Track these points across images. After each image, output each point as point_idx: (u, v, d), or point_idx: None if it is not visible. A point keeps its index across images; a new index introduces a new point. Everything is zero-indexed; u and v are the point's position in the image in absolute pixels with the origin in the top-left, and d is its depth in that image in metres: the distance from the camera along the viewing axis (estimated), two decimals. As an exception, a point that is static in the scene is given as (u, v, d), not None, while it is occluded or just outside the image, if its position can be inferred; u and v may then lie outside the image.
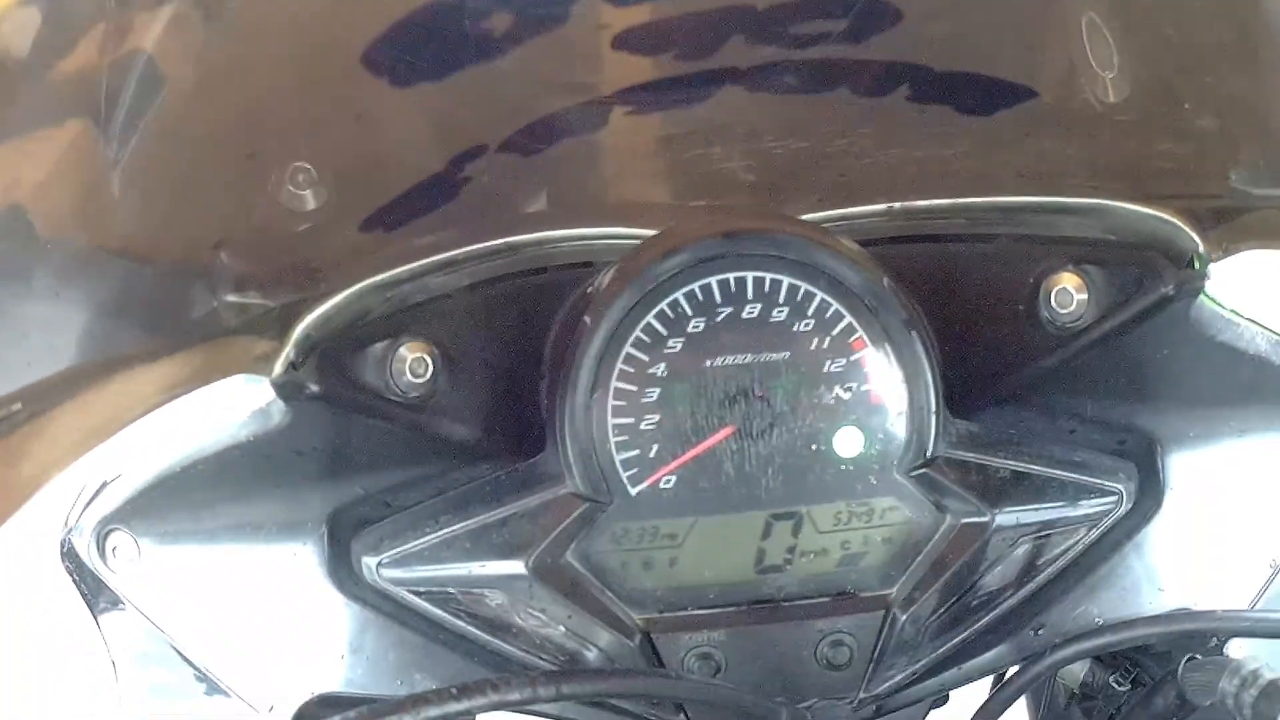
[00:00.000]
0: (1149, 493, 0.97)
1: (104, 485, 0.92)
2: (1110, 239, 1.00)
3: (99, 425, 0.89)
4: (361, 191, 0.93)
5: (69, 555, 0.92)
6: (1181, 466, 0.97)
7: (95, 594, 0.93)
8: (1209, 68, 1.00)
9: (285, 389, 0.92)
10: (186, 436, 0.91)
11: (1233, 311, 0.95)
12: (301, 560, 0.94)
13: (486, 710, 0.77)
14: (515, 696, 0.77)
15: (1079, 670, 1.08)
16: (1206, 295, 0.95)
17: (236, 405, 0.92)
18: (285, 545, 0.93)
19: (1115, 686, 1.05)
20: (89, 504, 0.91)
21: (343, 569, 0.94)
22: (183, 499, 0.92)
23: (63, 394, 0.92)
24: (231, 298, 0.97)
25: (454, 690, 0.75)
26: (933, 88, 0.96)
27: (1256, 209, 0.99)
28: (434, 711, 0.75)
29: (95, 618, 0.95)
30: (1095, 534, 0.97)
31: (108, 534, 0.91)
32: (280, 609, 0.94)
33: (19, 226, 0.95)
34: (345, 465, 0.95)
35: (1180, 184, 1.00)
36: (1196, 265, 0.95)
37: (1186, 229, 0.97)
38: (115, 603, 0.93)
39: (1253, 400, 0.97)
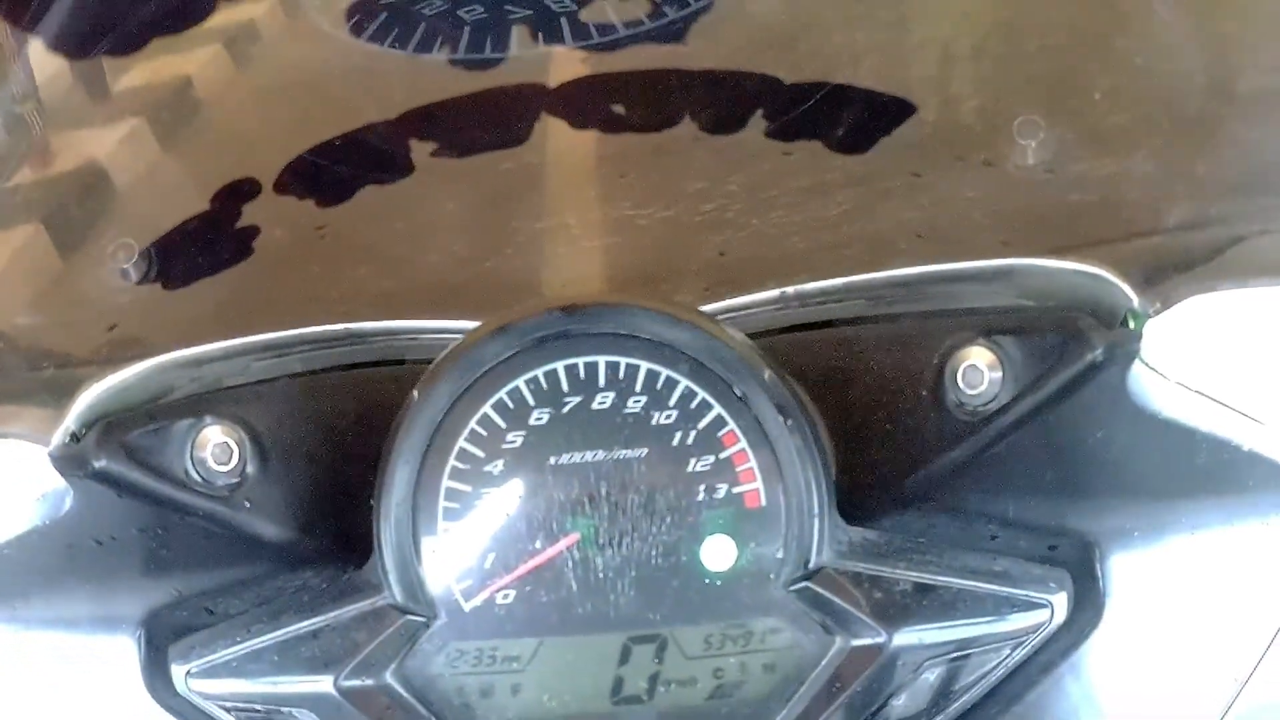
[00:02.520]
0: (1086, 604, 0.83)
1: None
2: (1026, 304, 0.86)
3: None
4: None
5: None
6: (1124, 571, 0.83)
7: None
8: (1148, 113, 0.86)
9: (63, 463, 0.83)
10: None
11: (1177, 384, 0.81)
12: (118, 663, 0.84)
13: None
14: None
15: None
16: (1144, 361, 0.81)
17: (22, 482, 0.84)
18: (101, 646, 0.85)
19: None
20: None
21: (160, 677, 0.84)
22: None
23: None
24: (24, 370, 0.87)
25: None
26: (790, 112, 0.82)
27: (1194, 246, 0.85)
28: None
29: None
30: (1021, 654, 0.83)
31: None
32: (96, 716, 0.85)
33: None
34: (155, 561, 0.86)
35: (1106, 226, 0.86)
36: (1131, 323, 0.82)
37: (1116, 281, 0.83)
38: None
39: (1206, 489, 0.83)
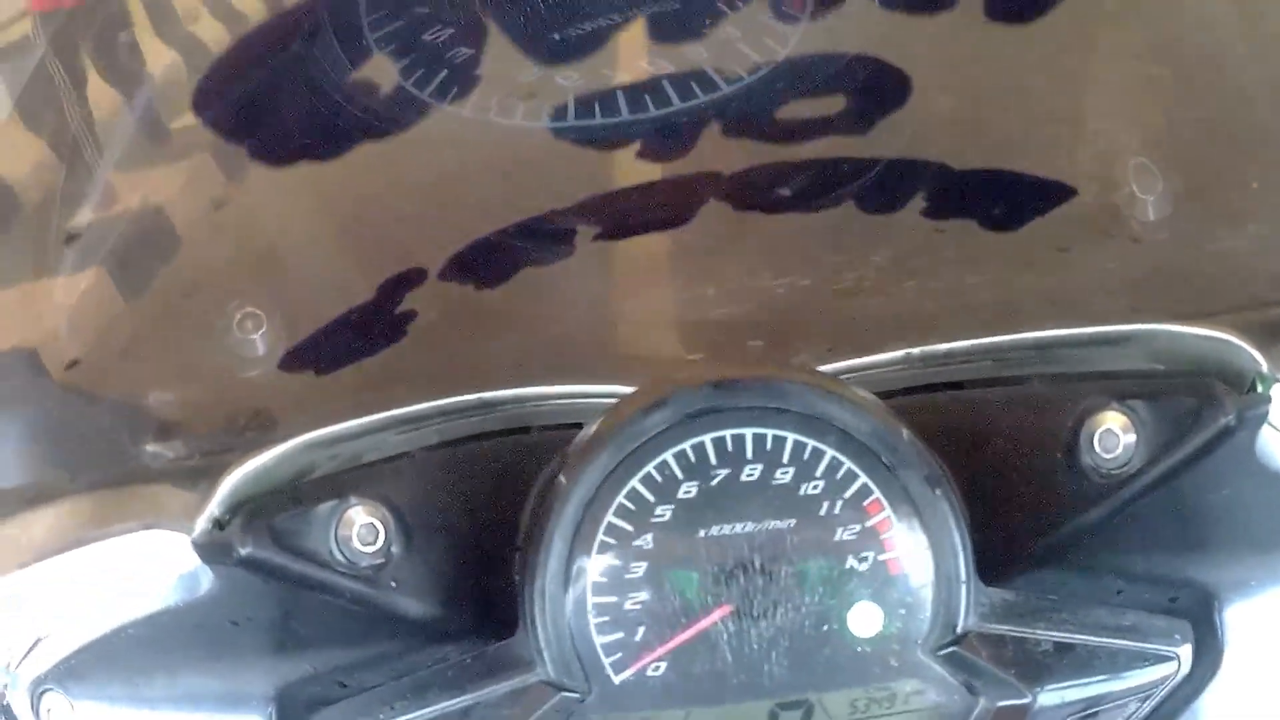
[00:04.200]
0: (1206, 654, 0.85)
1: (37, 642, 0.84)
2: (1158, 369, 0.88)
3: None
4: (286, 325, 0.82)
5: (5, 711, 0.84)
6: (1241, 620, 0.85)
7: None
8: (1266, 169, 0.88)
9: (208, 550, 0.82)
10: (115, 597, 0.83)
11: None
12: None
13: None
14: None
15: None
16: (1271, 424, 0.83)
17: (161, 566, 0.83)
18: None
19: None
20: (23, 660, 0.83)
21: None
22: (117, 663, 0.83)
23: None
24: (156, 447, 0.86)
25: None
26: (952, 195, 0.84)
27: None
28: None
29: None
30: (1149, 706, 0.85)
31: (42, 694, 0.83)
32: (223, 799, 0.83)
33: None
34: (291, 639, 0.84)
35: (1236, 293, 0.88)
36: (1260, 388, 0.84)
37: (1246, 347, 0.85)
38: None
39: None
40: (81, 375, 0.87)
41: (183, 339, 0.87)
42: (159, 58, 1.00)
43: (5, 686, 0.84)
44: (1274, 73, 0.89)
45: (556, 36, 0.84)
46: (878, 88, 0.83)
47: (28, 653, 0.83)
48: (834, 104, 0.83)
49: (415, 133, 0.81)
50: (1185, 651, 0.85)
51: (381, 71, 0.81)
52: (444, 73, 0.80)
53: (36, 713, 0.83)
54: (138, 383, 0.86)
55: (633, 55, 0.84)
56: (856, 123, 0.83)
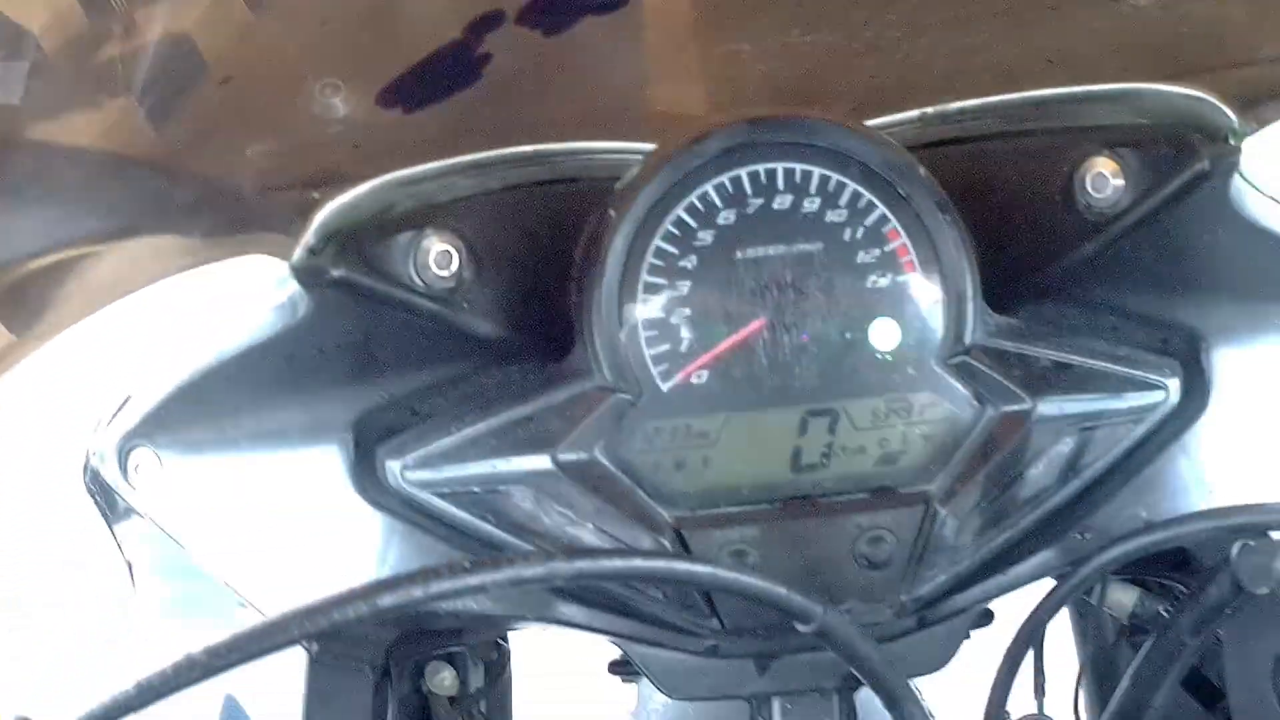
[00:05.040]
0: (1194, 391, 0.95)
1: (125, 401, 0.92)
2: (1143, 122, 0.98)
3: (108, 287, 0.88)
4: (380, 66, 0.91)
5: (93, 479, 0.92)
6: (1227, 363, 0.95)
7: (116, 513, 0.93)
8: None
9: (304, 274, 0.92)
10: (209, 337, 0.92)
11: (1271, 198, 0.94)
12: (326, 468, 0.92)
13: (501, 586, 0.72)
14: (530, 573, 0.73)
15: (1128, 602, 1.05)
16: (1243, 176, 0.94)
17: (257, 297, 0.92)
18: (309, 453, 0.92)
19: (1164, 615, 1.02)
20: (110, 421, 0.92)
21: (368, 476, 0.93)
22: (205, 408, 0.92)
23: (76, 260, 0.91)
24: (254, 194, 0.96)
25: (466, 564, 0.72)
26: None
27: None
28: (446, 585, 0.71)
29: (115, 536, 0.96)
30: (1141, 430, 0.95)
31: (130, 450, 0.92)
32: (304, 519, 0.92)
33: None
34: (370, 366, 0.94)
35: (1211, 55, 0.99)
36: (1231, 139, 0.95)
37: (1219, 104, 0.96)
38: (136, 519, 0.92)
39: None
40: (176, 148, 0.96)
41: (270, 110, 0.96)
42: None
43: (91, 450, 0.91)
44: None
45: None
46: None
47: (116, 413, 0.92)
48: None
49: None
50: (1174, 385, 0.95)
51: None
52: None
53: (124, 470, 0.91)
54: (232, 144, 0.95)
55: None
56: None
